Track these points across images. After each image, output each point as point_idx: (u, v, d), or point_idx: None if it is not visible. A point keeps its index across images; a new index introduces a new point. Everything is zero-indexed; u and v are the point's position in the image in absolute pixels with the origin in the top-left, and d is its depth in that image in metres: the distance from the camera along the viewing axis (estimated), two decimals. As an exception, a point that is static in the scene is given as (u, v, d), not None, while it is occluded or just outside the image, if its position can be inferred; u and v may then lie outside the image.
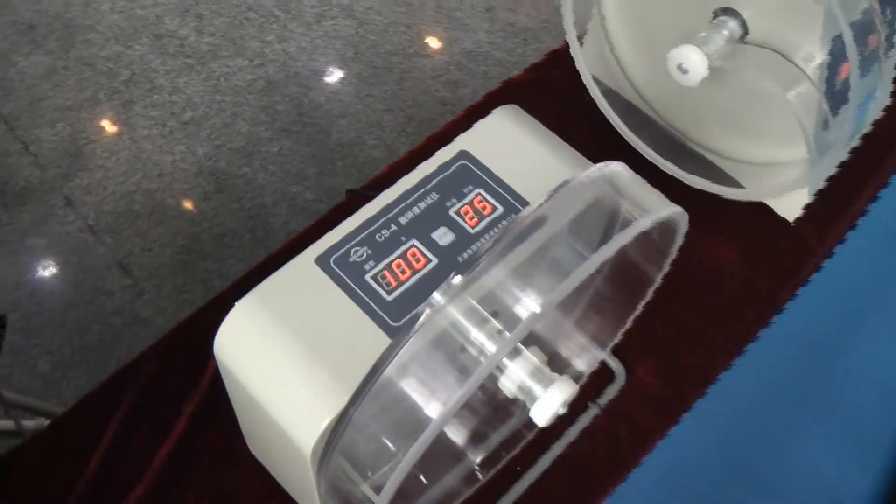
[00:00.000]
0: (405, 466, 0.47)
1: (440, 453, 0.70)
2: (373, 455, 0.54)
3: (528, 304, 0.53)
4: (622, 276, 0.71)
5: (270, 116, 2.03)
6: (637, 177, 0.60)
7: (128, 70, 2.14)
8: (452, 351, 0.53)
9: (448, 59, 2.10)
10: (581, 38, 0.93)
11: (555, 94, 1.01)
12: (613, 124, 0.93)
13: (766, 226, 0.93)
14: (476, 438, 0.72)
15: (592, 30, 0.94)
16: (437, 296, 0.50)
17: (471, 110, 1.03)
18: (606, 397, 0.83)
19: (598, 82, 0.94)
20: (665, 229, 0.62)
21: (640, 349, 0.85)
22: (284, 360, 0.57)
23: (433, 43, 2.14)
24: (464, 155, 0.66)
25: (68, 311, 1.81)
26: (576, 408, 0.79)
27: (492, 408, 0.72)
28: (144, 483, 0.81)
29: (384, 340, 0.58)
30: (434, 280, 0.60)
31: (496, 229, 0.62)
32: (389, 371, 0.49)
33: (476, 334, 0.54)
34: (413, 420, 0.49)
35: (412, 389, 0.51)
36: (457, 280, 0.50)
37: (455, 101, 2.02)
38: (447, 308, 0.51)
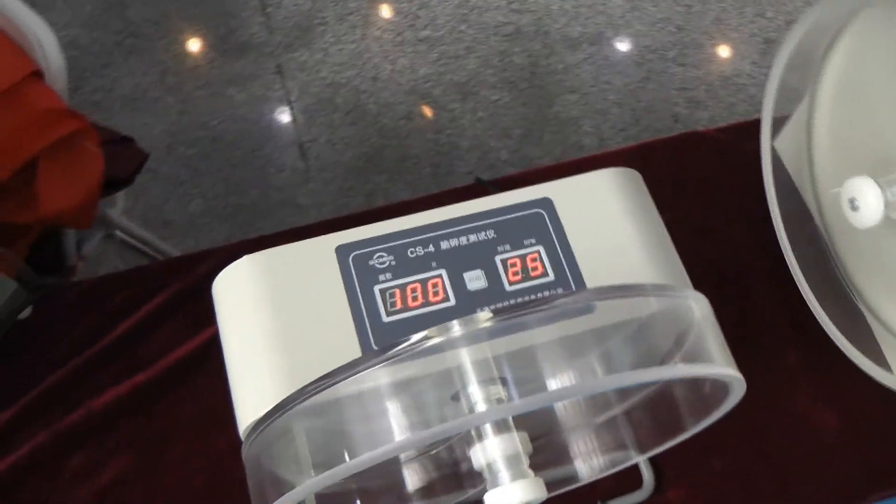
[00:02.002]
0: (301, 492, 0.46)
1: (381, 487, 0.65)
2: (293, 456, 0.50)
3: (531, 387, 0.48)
4: (661, 404, 0.62)
5: (503, 64, 1.97)
6: (713, 319, 0.51)
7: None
8: (419, 391, 0.50)
9: (700, 75, 1.97)
10: (784, 120, 0.82)
11: (728, 165, 0.91)
12: (774, 222, 0.82)
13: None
14: (427, 492, 0.66)
15: (797, 117, 0.82)
16: (455, 326, 0.45)
17: (643, 146, 0.94)
18: (622, 502, 0.74)
19: (780, 170, 0.82)
20: (718, 386, 0.53)
21: (683, 472, 0.76)
22: (258, 331, 0.55)
23: (694, 54, 2.00)
24: (544, 203, 0.58)
25: (237, 168, 1.84)
26: (582, 497, 0.71)
27: (452, 469, 0.65)
28: (148, 373, 0.79)
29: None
30: (440, 321, 0.54)
31: (534, 296, 0.55)
32: (329, 392, 0.46)
33: (474, 390, 0.50)
34: (340, 445, 0.47)
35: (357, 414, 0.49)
36: (485, 316, 0.45)
37: (689, 120, 1.89)
38: (459, 345, 0.47)
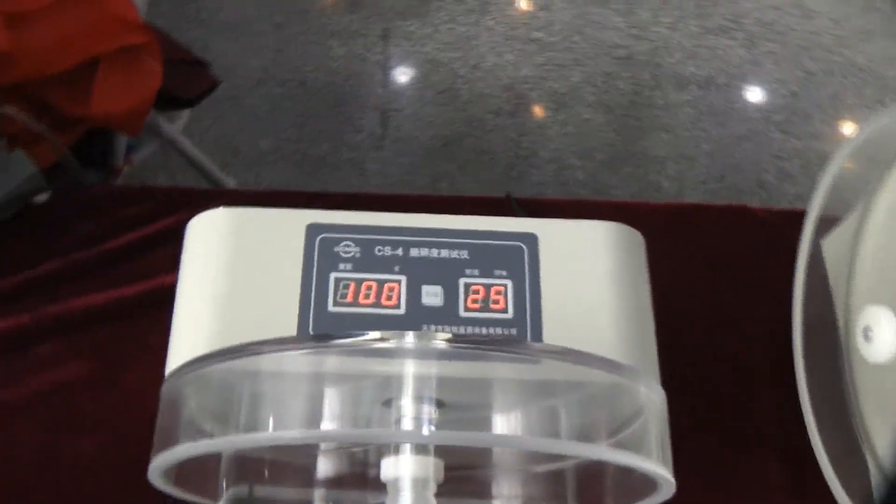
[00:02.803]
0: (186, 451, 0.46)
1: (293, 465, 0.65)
2: (213, 410, 0.51)
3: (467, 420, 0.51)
4: (592, 476, 0.60)
5: (606, 86, 1.94)
6: (664, 415, 0.50)
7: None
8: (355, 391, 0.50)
9: (800, 148, 1.90)
10: (840, 219, 0.78)
11: (768, 250, 0.87)
12: (794, 324, 0.78)
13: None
14: (334, 483, 0.65)
15: (851, 220, 0.78)
16: (410, 337, 0.45)
17: (688, 206, 0.91)
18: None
19: (819, 270, 0.79)
20: (647, 480, 0.50)
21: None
22: (209, 282, 0.55)
23: (800, 124, 1.94)
24: (528, 239, 0.57)
25: (316, 118, 1.85)
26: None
27: (363, 470, 0.64)
28: (133, 289, 0.80)
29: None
30: (384, 326, 0.53)
31: (486, 329, 0.53)
32: (252, 362, 0.47)
33: (407, 404, 0.50)
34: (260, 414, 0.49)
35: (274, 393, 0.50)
36: (443, 337, 0.45)
37: (775, 191, 1.83)
38: (406, 357, 0.46)
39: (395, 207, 0.58)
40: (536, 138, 1.84)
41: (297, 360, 0.49)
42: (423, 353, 0.46)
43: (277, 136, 1.82)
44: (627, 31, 2.02)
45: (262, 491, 0.67)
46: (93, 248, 0.82)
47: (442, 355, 0.46)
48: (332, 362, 0.50)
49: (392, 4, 2.00)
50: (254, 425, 0.50)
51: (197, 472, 0.58)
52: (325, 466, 0.65)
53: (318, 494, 0.66)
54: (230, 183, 1.48)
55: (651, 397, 0.49)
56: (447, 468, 0.53)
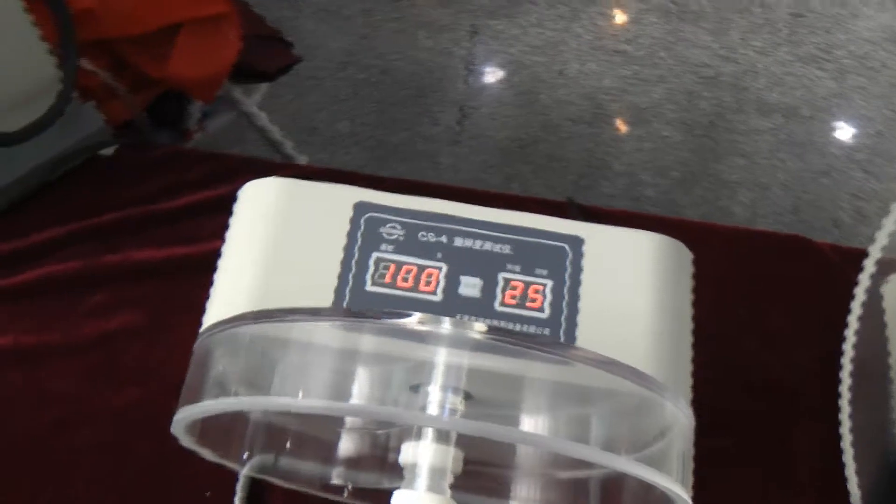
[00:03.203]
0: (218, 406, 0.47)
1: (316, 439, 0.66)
2: (243, 371, 0.52)
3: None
4: (611, 489, 0.59)
5: (687, 104, 1.91)
6: (690, 437, 0.49)
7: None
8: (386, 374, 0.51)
9: (879, 189, 1.85)
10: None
11: (827, 288, 0.85)
12: (843, 369, 0.76)
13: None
14: (352, 463, 0.66)
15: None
16: (446, 323, 0.44)
17: (753, 232, 0.89)
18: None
19: (876, 313, 0.77)
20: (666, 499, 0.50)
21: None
22: (253, 247, 0.55)
23: (883, 165, 1.89)
24: (574, 241, 0.56)
25: (395, 106, 1.86)
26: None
27: (383, 453, 0.64)
28: (189, 249, 0.82)
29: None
30: (418, 310, 0.53)
31: (519, 326, 0.53)
32: (284, 328, 0.48)
33: (434, 391, 0.49)
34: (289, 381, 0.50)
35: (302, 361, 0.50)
36: (477, 328, 0.44)
37: (849, 231, 1.79)
38: (440, 343, 0.46)
39: (457, 198, 0.58)
40: (611, 150, 1.83)
41: (329, 333, 0.49)
42: (457, 342, 0.46)
43: (355, 121, 1.83)
44: (716, 51, 1.99)
45: (284, 462, 0.68)
46: (152, 206, 0.84)
47: (476, 346, 0.45)
48: (364, 340, 0.50)
49: (484, 2, 2.00)
50: (279, 391, 0.50)
51: (221, 433, 0.59)
52: (346, 445, 0.65)
53: (337, 472, 0.66)
54: (301, 161, 1.50)
55: (678, 416, 0.48)
56: (466, 461, 0.53)
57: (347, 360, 0.51)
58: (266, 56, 1.22)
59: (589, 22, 2.00)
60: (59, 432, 0.74)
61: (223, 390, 0.50)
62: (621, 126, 1.86)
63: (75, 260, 0.81)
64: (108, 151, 0.86)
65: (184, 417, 0.49)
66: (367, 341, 0.50)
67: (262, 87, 1.33)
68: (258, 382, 0.52)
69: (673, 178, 1.80)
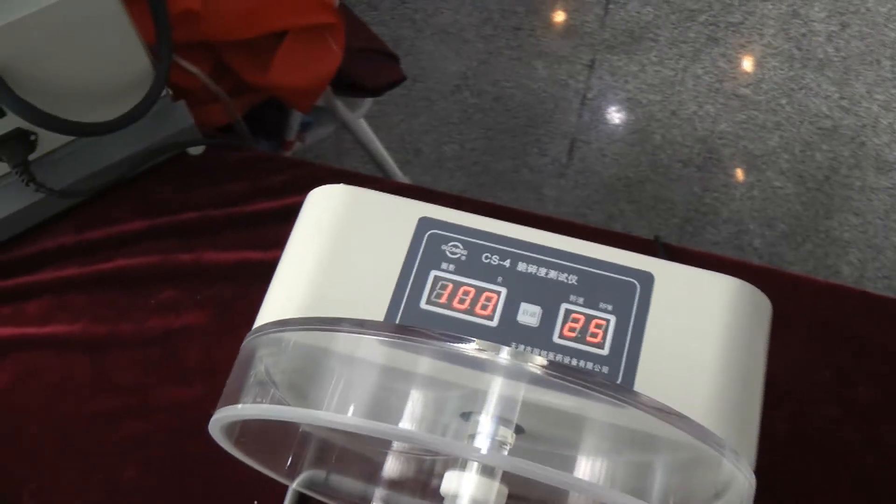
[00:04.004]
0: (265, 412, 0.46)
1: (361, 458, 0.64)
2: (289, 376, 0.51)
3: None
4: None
5: (803, 155, 1.84)
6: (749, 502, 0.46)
7: (743, 15, 2.03)
8: (440, 400, 0.49)
9: None
10: None
11: None
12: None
13: None
14: (395, 485, 0.64)
15: None
16: (504, 353, 0.42)
17: (842, 289, 0.84)
18: None
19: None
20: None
21: None
22: (313, 251, 0.54)
23: None
24: (644, 277, 0.53)
25: (504, 134, 1.84)
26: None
27: (418, 481, 0.62)
28: (261, 255, 0.81)
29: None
30: (473, 334, 0.50)
31: (576, 361, 0.50)
32: (331, 338, 0.47)
33: (485, 421, 0.47)
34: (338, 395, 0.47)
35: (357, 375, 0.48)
36: (537, 362, 0.42)
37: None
38: (496, 373, 0.44)
39: (543, 227, 0.56)
40: (720, 196, 1.78)
41: (379, 350, 0.48)
42: (514, 374, 0.44)
43: (462, 145, 1.83)
44: (837, 101, 1.92)
45: (333, 479, 0.67)
46: (232, 209, 0.84)
47: (533, 380, 0.43)
48: (415, 361, 0.48)
49: (605, 36, 1.98)
50: (319, 404, 0.48)
51: (262, 440, 0.58)
52: (391, 466, 0.63)
53: (380, 493, 0.65)
54: (403, 180, 1.49)
55: (737, 477, 0.45)
56: (512, 495, 0.51)
57: (396, 379, 0.50)
58: (373, 71, 1.21)
59: (710, 63, 1.95)
60: (115, 421, 0.75)
61: (263, 395, 0.48)
62: (732, 172, 1.80)
63: (151, 255, 0.81)
64: (197, 151, 0.86)
65: (221, 418, 0.48)
66: (419, 362, 0.48)
67: (367, 102, 1.32)
68: (301, 391, 0.51)
69: (780, 231, 1.73)
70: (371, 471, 0.64)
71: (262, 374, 0.49)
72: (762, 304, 0.55)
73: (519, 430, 0.49)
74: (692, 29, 1.99)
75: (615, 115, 1.88)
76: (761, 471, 0.69)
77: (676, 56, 1.96)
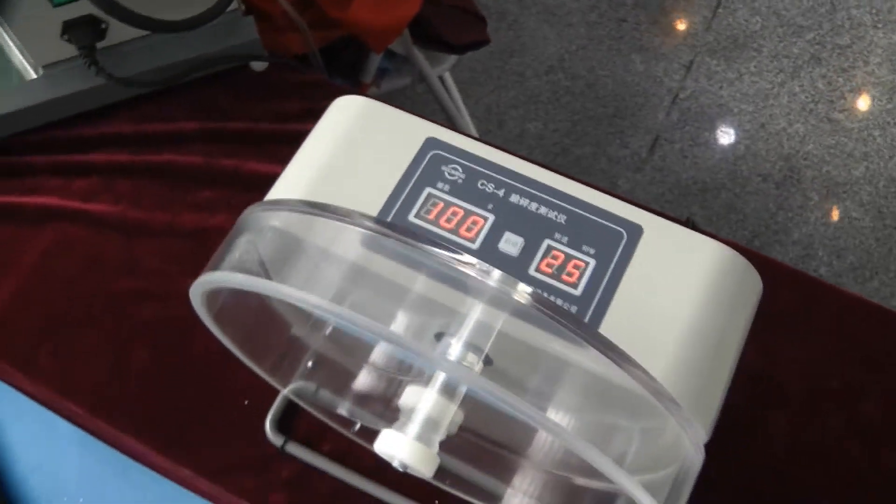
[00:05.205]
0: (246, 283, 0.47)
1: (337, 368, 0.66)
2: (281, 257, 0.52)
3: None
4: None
5: (885, 190, 1.78)
6: (693, 477, 0.46)
7: (852, 38, 1.98)
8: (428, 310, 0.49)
9: None
10: None
11: None
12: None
13: None
14: (362, 400, 0.66)
15: None
16: (496, 272, 0.42)
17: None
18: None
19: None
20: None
21: None
22: (324, 149, 0.57)
23: None
24: (633, 229, 0.54)
25: (590, 120, 1.84)
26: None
27: (382, 390, 0.64)
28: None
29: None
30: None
31: (546, 295, 0.51)
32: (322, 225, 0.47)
33: (457, 344, 0.48)
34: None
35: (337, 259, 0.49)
36: (525, 291, 0.42)
37: None
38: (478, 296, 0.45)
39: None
40: (794, 217, 1.74)
41: (362, 245, 0.48)
42: (497, 301, 0.44)
43: (545, 125, 1.83)
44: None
45: (320, 392, 0.68)
46: (281, 125, 0.86)
47: (515, 312, 0.44)
48: (401, 270, 0.48)
49: (709, 39, 1.95)
50: (294, 283, 0.48)
51: (246, 325, 0.59)
52: (363, 381, 0.65)
53: (348, 405, 0.66)
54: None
55: (684, 441, 0.44)
56: (467, 431, 0.53)
57: (375, 282, 0.51)
58: (458, 28, 1.23)
59: (809, 82, 1.91)
60: (135, 303, 0.78)
61: (240, 267, 0.49)
62: (811, 195, 1.77)
63: (197, 155, 0.84)
64: (260, 67, 0.89)
65: (201, 283, 0.50)
66: (399, 269, 0.49)
67: (449, 60, 1.34)
68: (280, 270, 0.51)
69: (849, 263, 1.70)
70: (349, 386, 0.65)
71: (249, 250, 0.50)
72: (750, 281, 0.54)
73: (488, 363, 0.49)
74: (797, 45, 1.95)
75: (703, 119, 1.86)
76: (756, 472, 0.69)
77: (776, 70, 1.93)
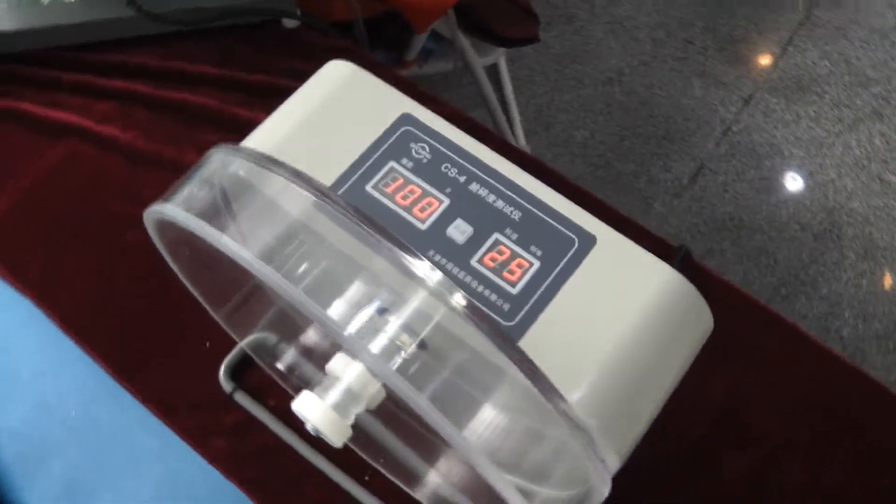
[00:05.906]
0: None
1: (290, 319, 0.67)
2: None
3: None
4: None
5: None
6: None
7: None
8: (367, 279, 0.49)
9: None
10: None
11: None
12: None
13: None
14: (307, 353, 0.67)
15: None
16: (437, 276, 0.43)
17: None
18: None
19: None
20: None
21: None
22: (302, 108, 0.58)
23: None
24: (586, 238, 0.54)
25: (638, 137, 1.83)
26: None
27: (322, 353, 0.64)
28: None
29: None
30: (401, 231, 0.52)
31: (483, 289, 0.51)
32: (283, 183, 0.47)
33: (395, 322, 0.48)
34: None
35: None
36: (460, 301, 0.43)
37: None
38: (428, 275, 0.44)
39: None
40: (825, 272, 1.72)
41: (308, 210, 0.49)
42: (434, 296, 0.44)
43: (593, 135, 1.82)
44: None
45: (278, 347, 0.69)
46: (299, 83, 0.87)
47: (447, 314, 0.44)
48: (351, 241, 0.49)
49: (773, 77, 1.93)
50: (246, 239, 0.48)
51: (202, 263, 0.60)
52: (311, 336, 0.66)
53: (290, 363, 0.67)
54: (510, 139, 1.50)
55: (589, 467, 0.44)
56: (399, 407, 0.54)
57: (320, 245, 0.51)
58: (508, 21, 1.23)
59: (866, 137, 1.87)
60: (129, 227, 0.79)
61: (190, 205, 0.50)
62: (847, 254, 1.74)
63: (213, 99, 0.86)
64: (291, 24, 0.90)
65: (151, 212, 0.51)
66: (347, 237, 0.49)
67: (497, 53, 1.34)
68: (226, 217, 0.52)
69: (874, 330, 1.66)
70: (297, 344, 0.66)
71: (203, 188, 0.51)
72: (697, 313, 0.54)
73: (423, 346, 0.49)
74: (861, 97, 1.92)
75: (752, 156, 1.83)
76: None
77: (835, 119, 1.89)
